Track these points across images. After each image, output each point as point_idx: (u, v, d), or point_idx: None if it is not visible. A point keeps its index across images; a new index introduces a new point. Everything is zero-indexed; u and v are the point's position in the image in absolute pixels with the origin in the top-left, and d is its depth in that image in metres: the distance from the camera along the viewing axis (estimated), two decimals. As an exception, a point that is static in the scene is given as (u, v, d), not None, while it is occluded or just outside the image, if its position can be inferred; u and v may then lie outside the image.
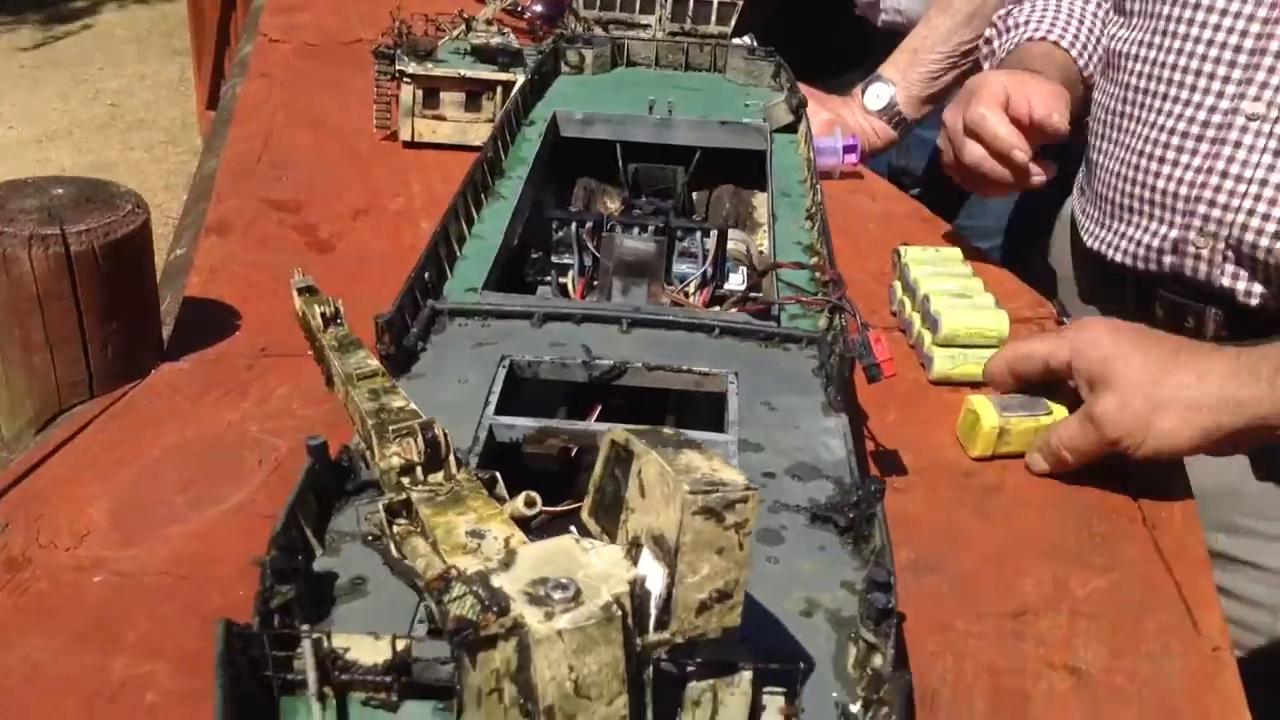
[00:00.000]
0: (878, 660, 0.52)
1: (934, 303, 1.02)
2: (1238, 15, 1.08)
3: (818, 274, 0.90)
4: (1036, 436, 0.90)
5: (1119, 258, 1.18)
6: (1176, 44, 1.12)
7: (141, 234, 0.91)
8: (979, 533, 0.84)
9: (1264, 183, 1.06)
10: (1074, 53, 1.28)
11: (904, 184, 1.89)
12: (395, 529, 0.53)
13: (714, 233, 0.94)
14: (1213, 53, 1.09)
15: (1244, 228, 1.07)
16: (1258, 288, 1.08)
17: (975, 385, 1.00)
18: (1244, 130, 1.07)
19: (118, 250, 0.89)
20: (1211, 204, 1.09)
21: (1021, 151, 1.15)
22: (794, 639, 0.55)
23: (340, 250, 1.17)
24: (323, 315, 0.69)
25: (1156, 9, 1.15)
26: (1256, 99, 1.07)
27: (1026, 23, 1.31)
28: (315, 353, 0.72)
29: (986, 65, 1.35)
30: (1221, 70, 1.09)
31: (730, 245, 0.99)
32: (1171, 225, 1.12)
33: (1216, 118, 1.09)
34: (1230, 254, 1.08)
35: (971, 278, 1.08)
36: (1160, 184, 1.13)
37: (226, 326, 1.01)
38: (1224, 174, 1.08)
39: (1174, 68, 1.12)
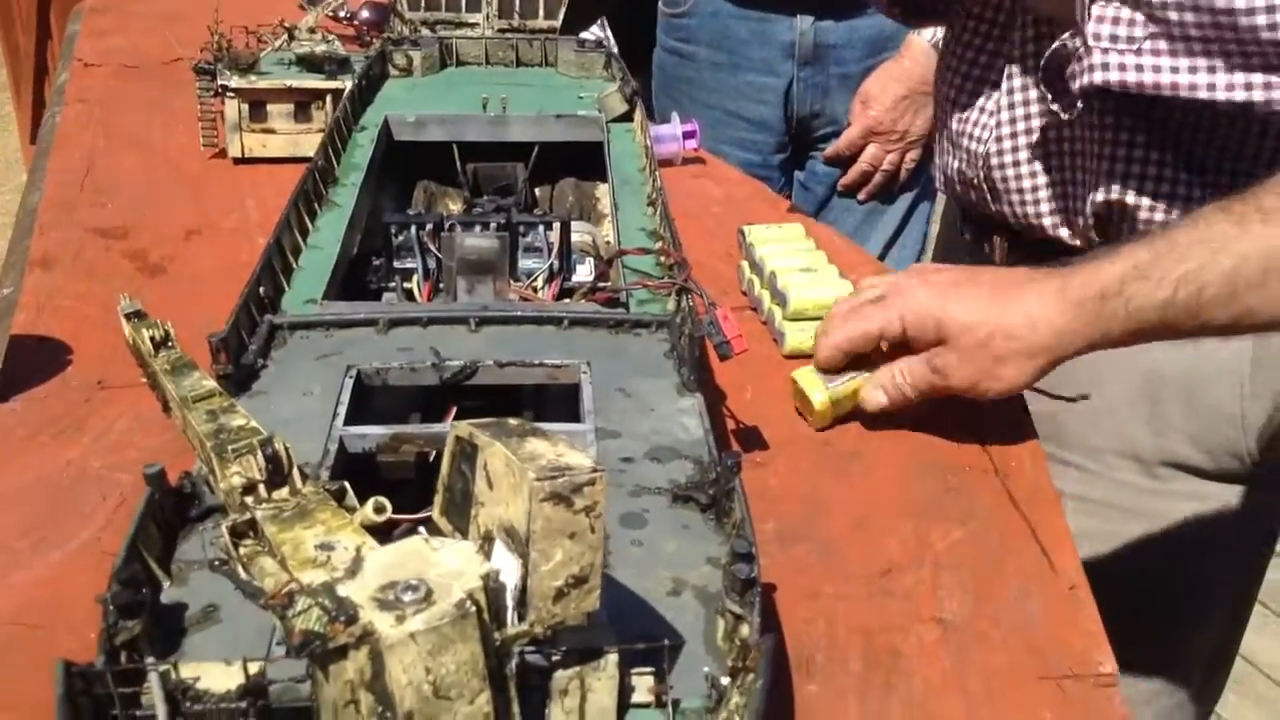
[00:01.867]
0: (745, 630, 0.52)
1: (781, 279, 1.04)
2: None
3: (662, 258, 0.90)
4: (871, 381, 0.92)
5: (942, 188, 1.25)
6: None
7: (-45, 273, 0.87)
8: (841, 498, 0.85)
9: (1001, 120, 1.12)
10: None
11: (813, 126, 1.84)
12: (242, 550, 0.52)
13: (556, 225, 0.94)
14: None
15: (987, 157, 1.12)
16: (1018, 211, 1.13)
17: (827, 355, 1.02)
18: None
19: (-70, 292, 0.84)
20: (972, 138, 1.15)
21: None
22: (663, 619, 0.56)
23: (174, 273, 1.12)
24: (152, 339, 0.66)
25: None
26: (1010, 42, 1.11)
27: None
28: (149, 379, 0.69)
29: None
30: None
31: (575, 237, 0.99)
32: (956, 157, 1.18)
33: (983, 58, 1.15)
34: (989, 183, 1.14)
35: (815, 251, 1.09)
36: (948, 118, 1.19)
37: (58, 362, 0.96)
38: (981, 109, 1.14)
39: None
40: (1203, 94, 0.92)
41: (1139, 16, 0.92)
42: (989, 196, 1.15)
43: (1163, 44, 0.92)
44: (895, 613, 0.74)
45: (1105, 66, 0.94)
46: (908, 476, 0.87)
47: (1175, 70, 0.92)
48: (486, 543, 0.45)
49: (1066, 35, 0.97)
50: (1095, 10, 0.93)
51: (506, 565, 0.43)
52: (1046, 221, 1.11)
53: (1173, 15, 0.90)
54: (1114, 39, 0.93)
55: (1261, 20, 0.86)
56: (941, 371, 0.88)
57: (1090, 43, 0.94)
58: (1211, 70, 0.91)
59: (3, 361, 0.96)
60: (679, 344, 0.78)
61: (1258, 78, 0.90)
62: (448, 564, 0.41)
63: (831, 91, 1.80)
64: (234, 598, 0.54)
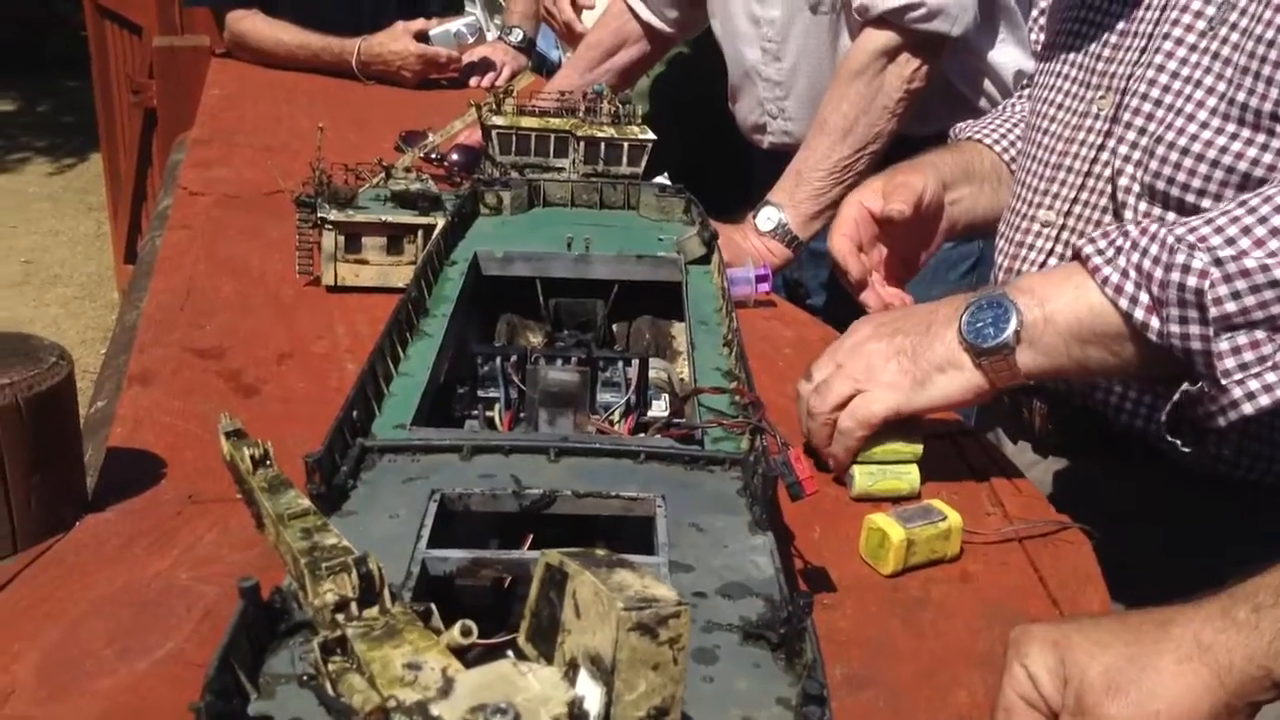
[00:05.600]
0: (816, 773, 0.53)
1: (852, 422, 1.05)
2: (1048, 133, 1.21)
3: (738, 397, 0.93)
4: (937, 543, 0.94)
5: None
6: (1022, 157, 1.26)
7: (66, 386, 0.91)
8: (909, 645, 0.85)
9: None
10: (989, 142, 1.37)
11: (800, 295, 1.95)
12: (330, 667, 0.53)
13: (635, 361, 0.97)
14: (1032, 165, 1.23)
15: None
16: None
17: (896, 501, 1.03)
18: (1038, 235, 1.20)
19: (42, 403, 0.89)
20: None
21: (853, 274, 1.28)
22: (733, 757, 0.56)
23: (266, 394, 1.17)
24: (252, 457, 0.69)
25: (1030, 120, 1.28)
26: (1050, 208, 1.19)
27: (964, 128, 1.42)
28: (245, 496, 0.72)
29: None
30: (1030, 180, 1.22)
31: (652, 373, 1.02)
32: None
33: (1021, 222, 1.22)
34: None
35: (886, 396, 1.11)
36: (997, 278, 1.24)
37: (152, 475, 1.00)
38: (1020, 274, 1.18)
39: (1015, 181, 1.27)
40: None
41: (1260, 334, 0.90)
42: None
43: None
44: (963, 764, 0.74)
45: (1251, 396, 0.91)
46: (977, 626, 0.87)
47: None
48: (571, 669, 0.46)
49: (1185, 385, 0.94)
50: (1218, 347, 0.91)
51: (590, 693, 0.45)
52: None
53: None
54: (1244, 366, 0.91)
55: None
56: None
57: (1222, 380, 0.91)
58: None
59: (100, 472, 1.00)
60: (752, 483, 0.80)
61: None
62: (534, 689, 0.43)
63: (804, 263, 1.91)
64: (318, 713, 0.56)
